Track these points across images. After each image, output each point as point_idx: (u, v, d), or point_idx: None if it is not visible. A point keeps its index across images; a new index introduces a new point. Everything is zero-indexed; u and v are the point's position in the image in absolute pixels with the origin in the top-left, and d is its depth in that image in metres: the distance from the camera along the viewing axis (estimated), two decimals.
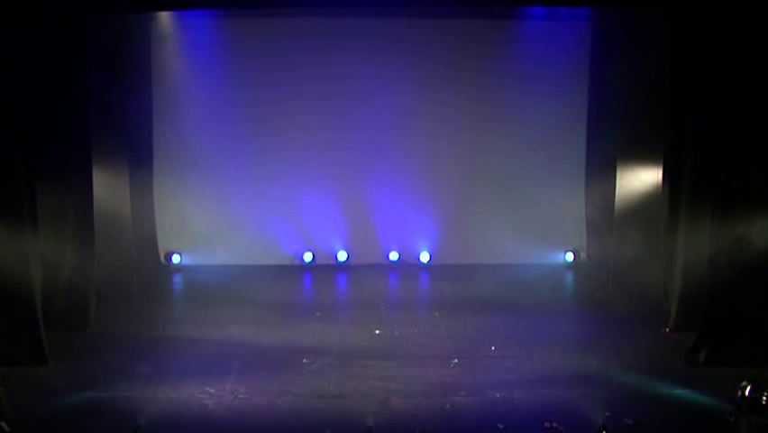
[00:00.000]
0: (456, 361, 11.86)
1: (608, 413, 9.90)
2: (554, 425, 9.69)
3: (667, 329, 13.04)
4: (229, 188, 16.98)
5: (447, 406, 10.32)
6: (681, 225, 12.59)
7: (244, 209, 17.02)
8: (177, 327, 13.48)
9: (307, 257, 17.38)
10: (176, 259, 17.08)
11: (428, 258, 17.50)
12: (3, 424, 9.21)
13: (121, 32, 14.64)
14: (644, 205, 14.70)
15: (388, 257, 17.53)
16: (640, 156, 14.69)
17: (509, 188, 17.23)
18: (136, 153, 15.67)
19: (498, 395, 10.63)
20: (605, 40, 15.88)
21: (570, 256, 17.48)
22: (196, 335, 12.91)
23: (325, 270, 17.26)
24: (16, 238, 11.23)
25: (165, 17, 16.21)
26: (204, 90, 16.62)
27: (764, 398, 9.29)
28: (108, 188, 14.36)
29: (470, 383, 11.01)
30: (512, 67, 16.58)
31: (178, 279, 16.77)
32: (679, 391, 10.75)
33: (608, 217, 15.64)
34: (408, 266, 17.43)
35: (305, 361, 11.84)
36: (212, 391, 10.73)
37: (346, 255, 17.50)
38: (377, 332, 13.22)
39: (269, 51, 16.53)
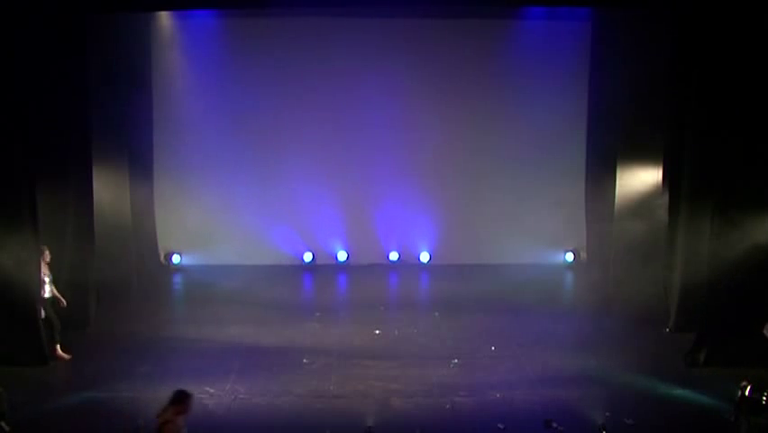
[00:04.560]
0: (456, 361, 11.86)
1: (607, 413, 9.90)
2: (554, 425, 9.69)
3: (667, 329, 13.05)
4: (229, 188, 17.00)
5: (447, 406, 10.33)
6: (681, 225, 12.60)
7: (244, 209, 17.03)
8: (177, 327, 13.49)
9: (307, 257, 17.39)
10: (176, 259, 17.09)
11: (428, 258, 17.51)
12: (3, 424, 9.21)
13: (121, 33, 14.64)
14: (644, 205, 14.70)
15: (388, 257, 17.54)
16: (640, 156, 14.69)
17: (509, 188, 17.25)
18: (136, 153, 15.67)
19: (498, 395, 10.63)
20: (605, 40, 15.88)
21: (570, 256, 17.49)
22: (196, 335, 12.92)
23: (325, 270, 17.27)
24: (16, 238, 11.23)
25: (165, 17, 16.24)
26: (203, 90, 16.64)
27: (764, 398, 9.29)
28: (108, 188, 14.36)
29: (470, 383, 11.02)
30: (512, 66, 16.62)
31: (178, 279, 16.79)
32: (679, 391, 10.76)
33: (608, 217, 15.63)
34: (408, 266, 17.44)
35: (305, 361, 11.85)
36: (212, 391, 10.73)
37: (346, 255, 17.51)
38: (377, 332, 13.23)
39: (269, 52, 16.56)
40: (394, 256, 17.54)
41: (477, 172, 17.26)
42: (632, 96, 14.51)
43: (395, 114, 16.73)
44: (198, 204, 16.99)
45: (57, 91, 12.13)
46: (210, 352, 12.15)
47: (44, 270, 11.67)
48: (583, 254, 17.34)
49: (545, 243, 17.36)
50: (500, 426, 9.72)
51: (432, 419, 9.94)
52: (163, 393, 10.52)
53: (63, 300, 11.94)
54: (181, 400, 7.69)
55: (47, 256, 11.76)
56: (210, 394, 10.63)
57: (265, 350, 12.31)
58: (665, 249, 13.41)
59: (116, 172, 14.82)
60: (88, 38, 12.54)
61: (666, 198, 13.45)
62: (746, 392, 9.42)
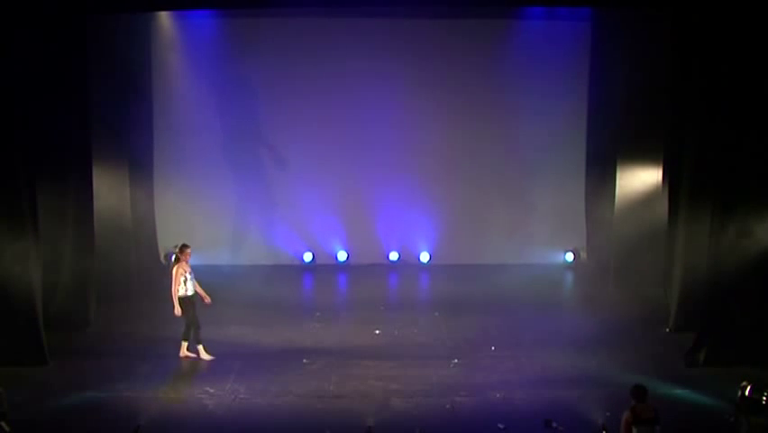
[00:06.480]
0: (456, 361, 11.86)
1: (608, 413, 9.90)
2: (554, 425, 9.70)
3: (667, 329, 13.05)
4: (229, 188, 17.01)
5: (447, 406, 10.33)
6: (681, 225, 12.61)
7: (244, 209, 17.04)
8: (177, 327, 13.45)
9: (307, 257, 17.40)
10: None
11: (428, 258, 17.51)
12: (3, 424, 9.22)
13: (121, 34, 14.63)
14: (644, 205, 14.71)
15: (388, 257, 17.54)
16: (640, 156, 14.70)
17: (509, 188, 17.26)
18: (136, 153, 15.65)
19: (498, 395, 10.63)
20: (605, 40, 15.89)
21: (570, 256, 17.49)
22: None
23: (325, 270, 17.27)
24: (16, 238, 11.24)
25: (165, 18, 16.24)
26: (203, 90, 16.64)
27: (764, 398, 9.29)
28: (108, 188, 14.39)
29: (470, 383, 11.02)
30: (512, 66, 16.61)
31: None
32: (679, 391, 10.76)
33: (607, 217, 15.64)
34: (408, 266, 17.45)
35: (305, 361, 11.86)
36: (212, 391, 10.74)
37: (346, 255, 17.51)
38: (377, 332, 13.23)
39: (269, 52, 16.56)
40: (394, 256, 17.54)
41: (477, 172, 17.26)
42: (632, 96, 14.52)
43: (395, 114, 16.73)
44: (198, 204, 16.98)
45: (57, 92, 12.13)
46: (210, 352, 12.13)
47: (187, 268, 11.92)
48: (583, 254, 17.34)
49: (545, 243, 17.36)
50: (500, 426, 9.72)
51: (432, 419, 9.94)
52: (163, 393, 10.64)
53: (207, 297, 12.14)
54: (645, 392, 8.45)
55: (188, 255, 11.98)
56: (210, 394, 10.64)
57: (265, 350, 12.32)
58: (665, 249, 13.42)
59: (116, 173, 14.83)
60: (88, 39, 12.54)
61: (666, 198, 13.46)
62: (746, 392, 9.42)
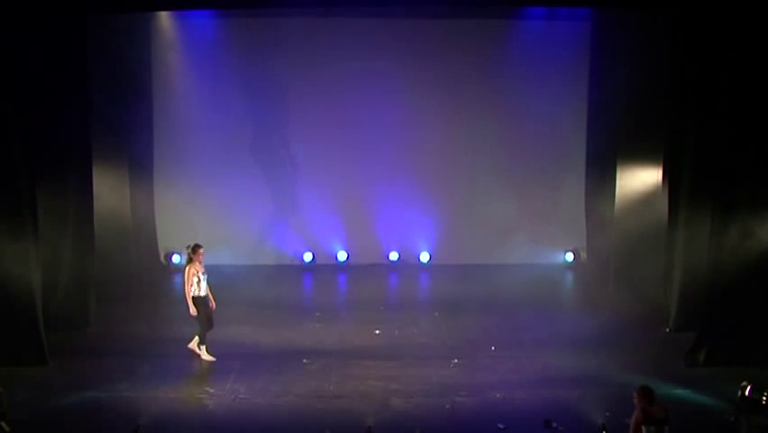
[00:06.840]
0: (456, 361, 11.86)
1: (608, 413, 9.90)
2: (554, 425, 9.70)
3: (667, 329, 13.05)
4: (229, 187, 16.99)
5: (447, 406, 10.33)
6: (681, 225, 12.61)
7: (244, 209, 17.04)
8: (177, 326, 13.46)
9: (307, 257, 17.40)
10: (176, 259, 17.08)
11: (428, 258, 17.51)
12: (3, 424, 9.22)
13: (120, 34, 14.63)
14: (644, 205, 14.71)
15: (388, 257, 17.54)
16: (640, 156, 14.71)
17: (509, 188, 17.24)
18: (136, 153, 15.68)
19: (498, 395, 10.63)
20: (605, 40, 15.89)
21: (570, 256, 17.49)
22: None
23: (325, 270, 17.27)
24: (16, 239, 11.23)
25: (165, 18, 16.24)
26: (203, 90, 16.64)
27: (764, 398, 9.30)
28: (108, 188, 14.40)
29: (470, 383, 11.02)
30: (512, 66, 16.61)
31: (178, 279, 16.73)
32: (679, 391, 10.75)
33: (608, 217, 15.65)
34: (408, 266, 17.44)
35: (305, 361, 11.85)
36: (212, 391, 10.74)
37: (346, 255, 17.51)
38: (377, 332, 13.23)
39: (270, 52, 16.56)
40: (394, 256, 17.54)
41: (477, 172, 17.26)
42: (632, 96, 14.51)
43: (395, 114, 16.73)
44: (198, 204, 16.97)
45: (57, 92, 12.12)
46: (212, 353, 12.14)
47: (200, 268, 11.89)
48: (583, 254, 17.35)
49: (545, 243, 17.36)
50: (500, 426, 9.72)
51: (432, 419, 9.94)
52: (163, 393, 10.64)
53: (213, 302, 12.07)
54: (653, 392, 8.53)
55: (200, 255, 11.94)
56: (210, 394, 10.64)
57: (265, 350, 12.32)
58: (665, 249, 13.42)
59: (116, 172, 14.84)
60: (88, 39, 12.54)
61: (666, 198, 13.46)
62: (746, 392, 9.43)
